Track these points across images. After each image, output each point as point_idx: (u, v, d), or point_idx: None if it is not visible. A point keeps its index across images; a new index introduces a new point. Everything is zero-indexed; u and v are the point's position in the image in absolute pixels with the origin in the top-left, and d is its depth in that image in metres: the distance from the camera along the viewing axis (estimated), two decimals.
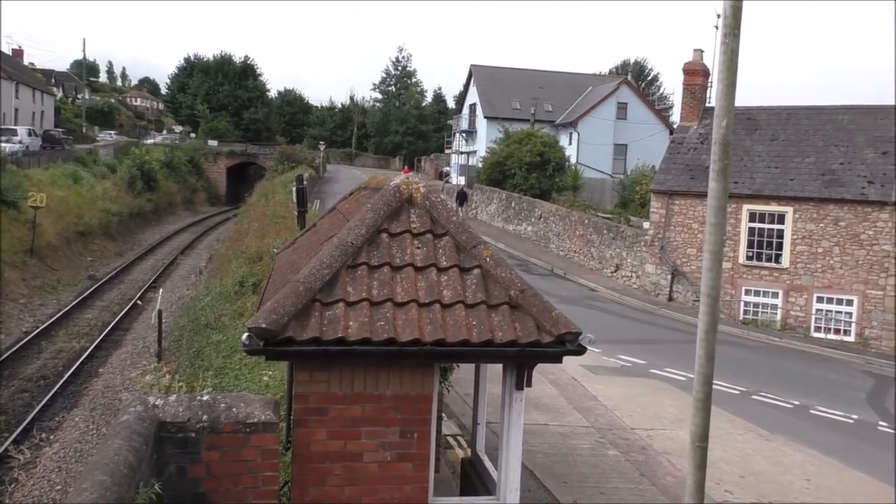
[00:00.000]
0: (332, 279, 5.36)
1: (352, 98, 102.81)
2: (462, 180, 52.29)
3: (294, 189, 21.23)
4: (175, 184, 58.10)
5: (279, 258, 9.34)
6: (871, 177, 24.04)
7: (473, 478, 6.74)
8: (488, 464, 6.59)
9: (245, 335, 4.89)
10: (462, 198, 41.73)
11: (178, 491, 4.44)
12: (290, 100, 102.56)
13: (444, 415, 10.63)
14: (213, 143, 74.25)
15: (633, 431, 12.79)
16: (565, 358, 5.53)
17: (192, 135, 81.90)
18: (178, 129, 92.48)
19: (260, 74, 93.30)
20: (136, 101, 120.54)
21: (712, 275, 3.53)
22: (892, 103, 25.87)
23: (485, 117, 56.21)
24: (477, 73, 60.52)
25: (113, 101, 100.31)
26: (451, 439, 10.55)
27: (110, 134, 73.66)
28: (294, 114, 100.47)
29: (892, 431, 14.93)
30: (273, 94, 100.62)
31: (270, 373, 10.87)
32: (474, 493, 6.38)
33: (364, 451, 5.27)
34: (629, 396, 14.89)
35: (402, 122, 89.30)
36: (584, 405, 13.94)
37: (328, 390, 5.20)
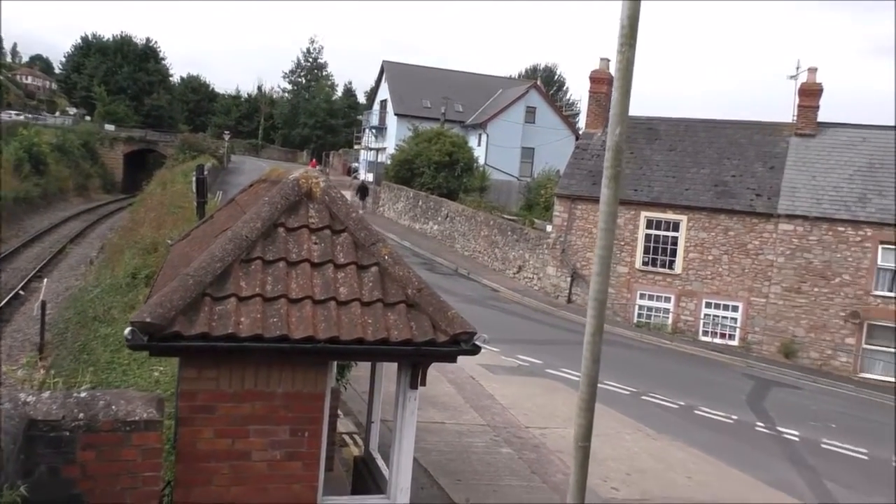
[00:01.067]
0: (224, 273, 5.21)
1: (260, 88, 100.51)
2: (370, 177, 52.11)
3: (194, 179, 20.61)
4: (67, 169, 55.26)
5: (173, 250, 9.02)
6: (759, 189, 25.39)
7: (366, 476, 6.70)
8: (381, 462, 6.57)
9: (128, 329, 4.69)
10: (363, 191, 42.18)
11: (49, 493, 4.21)
12: (195, 86, 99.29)
13: (340, 412, 10.54)
14: (110, 127, 71.06)
15: (527, 430, 13.05)
16: (464, 357, 5.57)
17: (88, 118, 78.11)
18: (73, 111, 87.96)
19: (163, 58, 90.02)
20: (26, 80, 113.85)
21: (600, 279, 3.63)
22: (784, 120, 27.41)
23: (395, 114, 56.10)
24: (389, 70, 60.31)
25: (1, 77, 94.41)
26: (346, 437, 10.46)
27: None
28: (198, 101, 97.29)
29: (768, 431, 15.81)
30: (176, 79, 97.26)
31: (162, 368, 10.48)
32: (366, 492, 6.35)
33: (253, 450, 5.15)
34: (525, 395, 15.18)
35: (312, 116, 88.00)
36: (480, 404, 14.11)
37: (217, 388, 5.05)
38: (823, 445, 15.27)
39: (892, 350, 23.16)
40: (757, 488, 12.19)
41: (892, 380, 23.00)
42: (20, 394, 4.38)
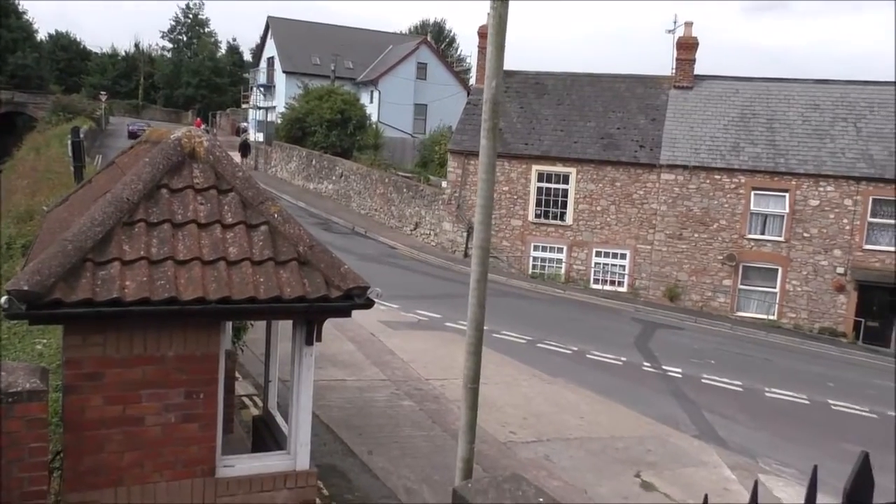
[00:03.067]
0: (106, 237, 5.06)
1: (137, 45, 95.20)
2: (261, 137, 50.77)
3: (69, 142, 19.55)
4: None
5: (49, 217, 8.61)
6: (643, 141, 26.41)
7: (265, 434, 6.73)
8: (280, 420, 6.61)
9: (4, 298, 4.51)
10: (245, 149, 41.69)
11: None
12: (65, 44, 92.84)
13: (238, 375, 10.45)
14: None
15: (427, 382, 13.33)
16: (364, 314, 5.66)
17: None
18: None
19: (24, 12, 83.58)
20: None
21: (483, 227, 3.76)
22: (664, 73, 28.46)
23: (284, 72, 54.63)
24: (275, 26, 58.45)
25: None
26: (245, 399, 10.39)
27: None
28: (69, 60, 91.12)
29: (654, 370, 16.77)
30: (43, 36, 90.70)
31: (45, 341, 10.05)
32: (266, 450, 6.38)
33: (146, 415, 5.09)
34: (425, 349, 15.46)
35: (195, 74, 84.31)
36: (381, 359, 14.29)
37: (104, 354, 4.94)
38: (703, 381, 16.34)
39: (764, 289, 24.88)
40: (643, 423, 12.97)
41: (764, 316, 24.76)
42: None
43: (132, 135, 60.21)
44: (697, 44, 27.39)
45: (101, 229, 5.04)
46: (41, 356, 9.41)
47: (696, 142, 25.92)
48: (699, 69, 27.70)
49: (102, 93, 64.21)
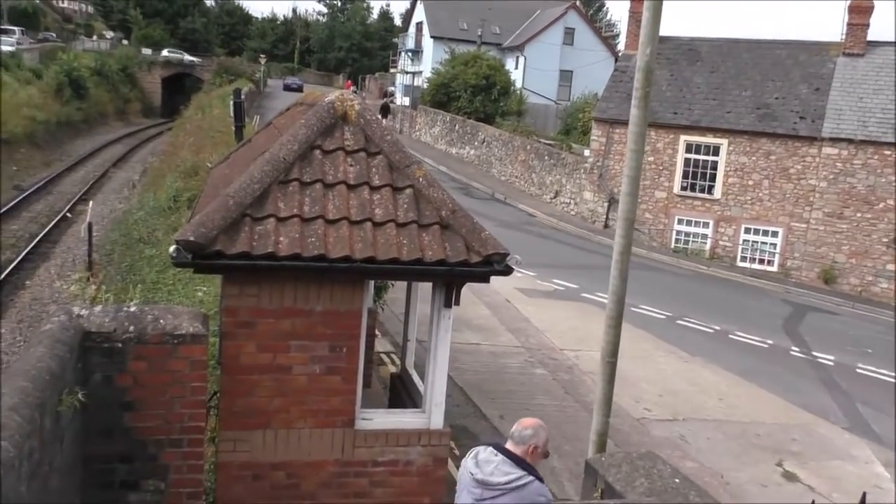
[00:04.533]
0: (263, 194, 5.35)
1: (294, 11, 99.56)
2: (407, 101, 51.68)
3: (231, 103, 20.68)
4: (107, 93, 55.58)
5: (213, 173, 9.20)
6: (803, 112, 24.65)
7: (402, 391, 6.95)
8: (416, 378, 6.80)
9: (172, 248, 4.88)
10: (385, 111, 42.63)
11: (104, 399, 4.47)
12: (230, 9, 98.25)
13: (378, 332, 10.83)
14: (147, 51, 70.96)
15: (561, 352, 13.27)
16: (500, 280, 5.67)
17: (125, 42, 78.04)
18: (110, 35, 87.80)
19: None
20: (63, 3, 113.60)
21: (629, 199, 3.66)
22: (832, 39, 26.35)
23: (431, 37, 55.10)
24: None
25: (38, 1, 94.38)
26: (384, 356, 10.78)
27: (17, 35, 65.27)
28: (234, 24, 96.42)
29: (803, 356, 15.84)
30: (211, 2, 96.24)
31: (205, 288, 10.82)
32: (402, 406, 6.60)
33: (293, 364, 5.39)
34: (560, 319, 15.36)
35: (347, 39, 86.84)
36: (516, 326, 14.34)
37: (258, 304, 5.26)
38: (859, 370, 15.27)
39: None
40: (788, 410, 12.32)
41: None
42: (74, 308, 4.62)
43: (287, 87, 63.39)
44: (873, 7, 25.07)
45: (259, 187, 5.33)
46: (202, 302, 10.15)
47: (865, 114, 23.87)
48: (873, 35, 25.41)
49: (262, 56, 67.45)
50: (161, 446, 4.66)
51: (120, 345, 4.49)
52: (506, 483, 3.69)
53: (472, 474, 3.81)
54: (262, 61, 64.09)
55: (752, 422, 11.48)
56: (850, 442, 11.39)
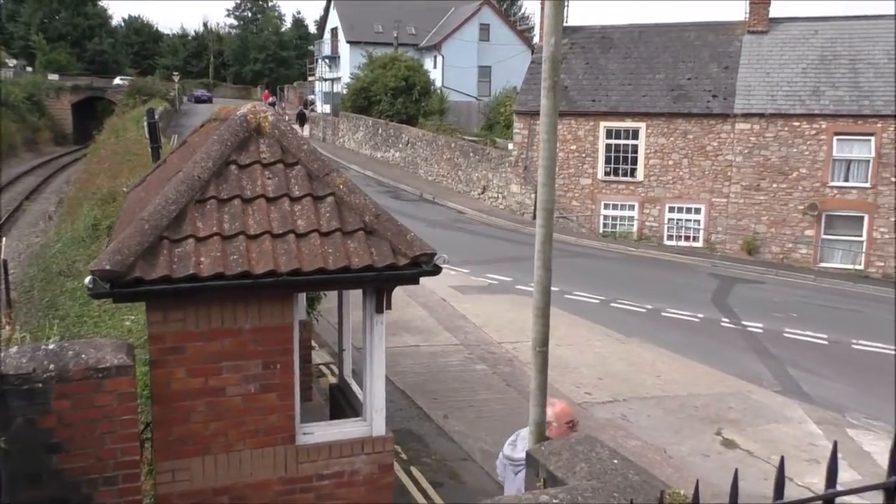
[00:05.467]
0: (180, 215, 5.21)
1: (205, 25, 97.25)
2: (328, 108, 51.26)
3: (146, 124, 20.16)
4: (14, 123, 53.47)
5: (129, 197, 8.93)
6: (715, 91, 25.50)
7: (342, 402, 6.89)
8: (355, 387, 6.75)
9: (88, 279, 4.72)
10: (301, 118, 42.67)
11: (29, 443, 4.30)
12: (137, 28, 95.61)
13: (315, 344, 10.71)
14: (53, 77, 68.46)
15: (500, 346, 13.38)
16: (435, 280, 5.68)
17: (29, 69, 75.15)
18: (13, 62, 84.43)
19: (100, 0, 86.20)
20: None
21: (546, 189, 3.71)
22: (736, 18, 27.30)
23: (347, 42, 54.77)
24: None
25: None
26: (323, 367, 10.67)
27: None
28: (143, 43, 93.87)
29: (733, 326, 16.38)
30: (117, 21, 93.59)
31: (133, 317, 10.48)
32: (343, 417, 6.53)
33: (227, 386, 5.26)
34: (496, 313, 15.49)
35: (262, 50, 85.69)
36: (453, 324, 14.40)
37: (184, 328, 5.12)
38: (786, 335, 15.87)
39: (849, 238, 23.88)
40: (723, 380, 12.72)
41: (850, 266, 23.80)
42: None
43: (198, 100, 62.57)
44: None
45: (175, 207, 5.20)
46: (130, 332, 9.84)
47: (773, 88, 24.84)
48: (774, 12, 26.45)
49: (175, 73, 65.92)
50: (95, 485, 4.50)
51: (41, 385, 4.32)
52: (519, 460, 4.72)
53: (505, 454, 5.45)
54: (176, 79, 62.67)
55: (689, 395, 11.81)
56: (783, 404, 11.83)
